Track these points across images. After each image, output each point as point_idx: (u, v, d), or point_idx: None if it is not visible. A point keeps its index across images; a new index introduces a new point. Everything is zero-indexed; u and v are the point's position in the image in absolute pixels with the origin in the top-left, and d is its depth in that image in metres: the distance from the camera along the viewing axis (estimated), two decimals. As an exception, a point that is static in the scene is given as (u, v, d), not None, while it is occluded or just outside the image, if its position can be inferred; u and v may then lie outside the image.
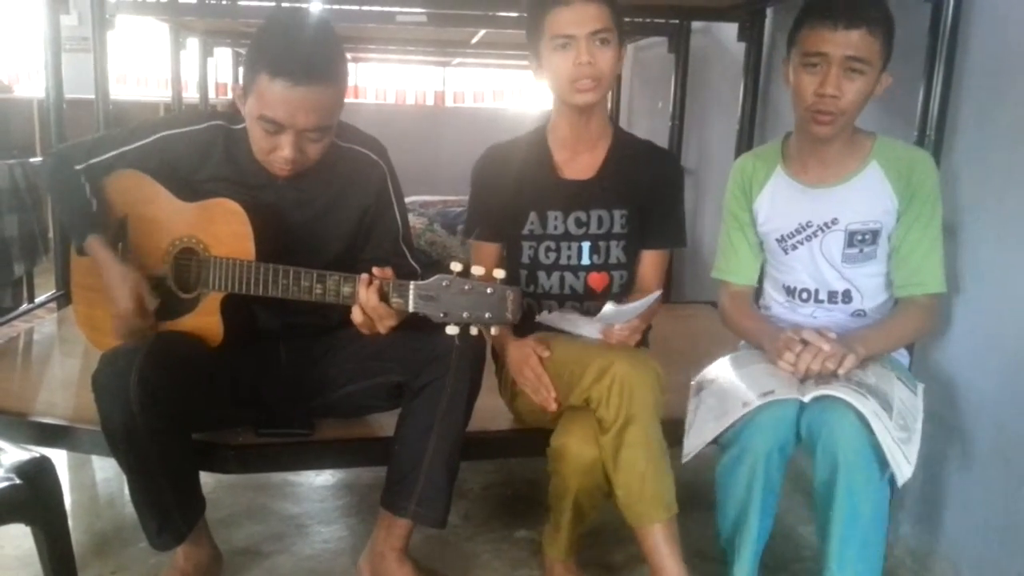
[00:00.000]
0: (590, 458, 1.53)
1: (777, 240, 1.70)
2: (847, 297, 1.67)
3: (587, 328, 1.59)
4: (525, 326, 1.65)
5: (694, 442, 1.53)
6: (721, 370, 1.64)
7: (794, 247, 1.67)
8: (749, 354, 1.66)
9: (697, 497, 2.20)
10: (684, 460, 1.53)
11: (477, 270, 1.38)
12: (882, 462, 1.39)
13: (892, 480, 1.41)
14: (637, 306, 1.51)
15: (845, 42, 1.48)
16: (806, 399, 1.43)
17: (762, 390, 1.48)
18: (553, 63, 1.62)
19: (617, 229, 1.74)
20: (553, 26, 1.60)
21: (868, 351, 1.51)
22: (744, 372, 1.58)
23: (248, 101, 1.50)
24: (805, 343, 1.49)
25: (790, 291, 1.72)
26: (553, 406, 1.59)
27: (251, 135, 1.54)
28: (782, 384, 1.48)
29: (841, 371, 1.45)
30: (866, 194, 1.61)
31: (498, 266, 1.76)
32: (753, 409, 1.46)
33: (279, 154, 1.51)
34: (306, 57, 1.45)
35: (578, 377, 1.53)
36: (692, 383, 1.66)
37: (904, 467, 1.38)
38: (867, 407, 1.38)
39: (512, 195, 1.75)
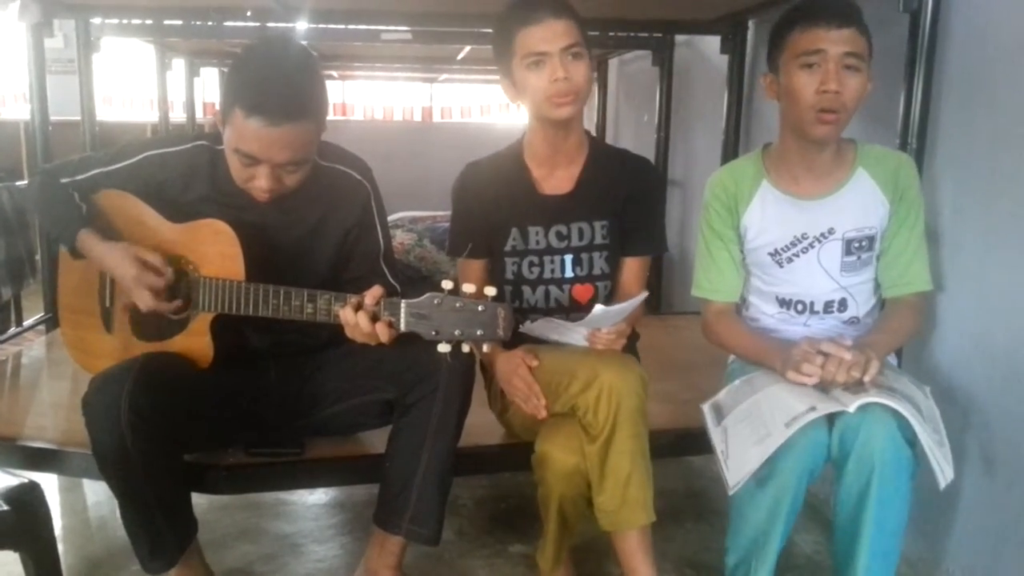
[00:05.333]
0: (572, 465, 1.55)
1: (770, 254, 1.69)
2: (843, 306, 1.67)
3: (572, 335, 1.60)
4: (512, 339, 1.66)
5: (739, 473, 1.46)
6: (739, 395, 1.59)
7: (790, 260, 1.67)
8: (760, 374, 1.61)
9: (689, 508, 2.21)
10: (731, 493, 1.48)
11: (468, 287, 1.38)
12: (912, 473, 1.39)
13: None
14: (625, 307, 1.51)
15: (840, 39, 1.49)
16: (851, 409, 1.39)
17: (801, 408, 1.43)
18: (529, 82, 1.62)
19: (599, 240, 1.75)
20: (525, 45, 1.61)
21: (879, 355, 1.49)
22: (770, 393, 1.53)
23: (225, 131, 1.51)
24: (824, 354, 1.46)
25: (784, 303, 1.71)
26: (543, 414, 1.60)
27: (229, 163, 1.54)
28: (819, 399, 1.44)
29: (867, 378, 1.42)
30: (859, 201, 1.62)
31: (485, 281, 1.77)
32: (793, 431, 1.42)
33: (256, 183, 1.51)
34: (281, 96, 1.44)
35: (564, 386, 1.54)
36: (704, 410, 1.63)
37: (947, 469, 1.38)
38: (907, 411, 1.37)
39: (492, 212, 1.76)
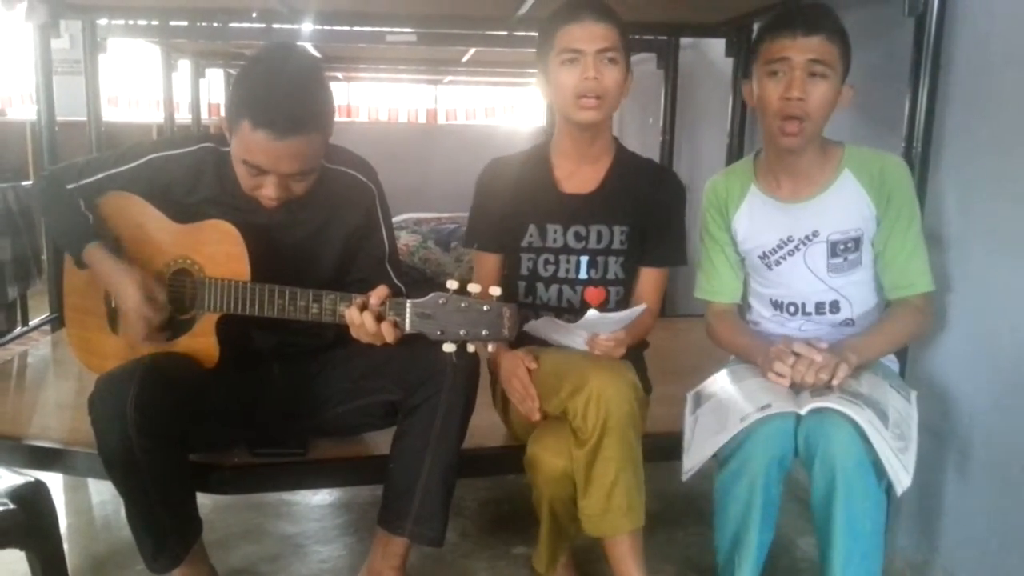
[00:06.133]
0: (560, 468, 1.56)
1: (759, 257, 1.71)
2: (835, 307, 1.68)
3: (572, 338, 1.60)
4: (516, 338, 1.66)
5: (694, 459, 1.53)
6: (717, 386, 1.64)
7: (778, 263, 1.69)
8: (744, 368, 1.66)
9: (691, 510, 2.20)
10: (685, 478, 1.53)
11: (473, 287, 1.39)
12: (880, 473, 1.40)
13: (889, 490, 1.42)
14: (621, 316, 1.52)
15: (806, 46, 1.51)
16: (803, 411, 1.43)
17: (759, 404, 1.48)
18: (560, 77, 1.64)
19: (616, 245, 1.75)
20: (562, 41, 1.63)
21: (861, 359, 1.52)
22: (740, 387, 1.58)
23: (232, 141, 1.51)
24: (797, 355, 1.50)
25: (777, 305, 1.72)
26: (537, 416, 1.61)
27: (237, 172, 1.54)
28: (779, 397, 1.49)
29: (835, 381, 1.45)
30: (843, 203, 1.63)
31: (499, 276, 1.78)
32: (752, 423, 1.46)
33: (263, 192, 1.52)
34: (287, 109, 1.44)
35: (556, 389, 1.55)
36: (687, 398, 1.66)
37: (903, 476, 1.38)
38: (863, 417, 1.39)
39: (512, 207, 1.77)
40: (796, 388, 1.51)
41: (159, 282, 1.58)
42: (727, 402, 1.55)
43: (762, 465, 1.46)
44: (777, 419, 1.45)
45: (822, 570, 1.46)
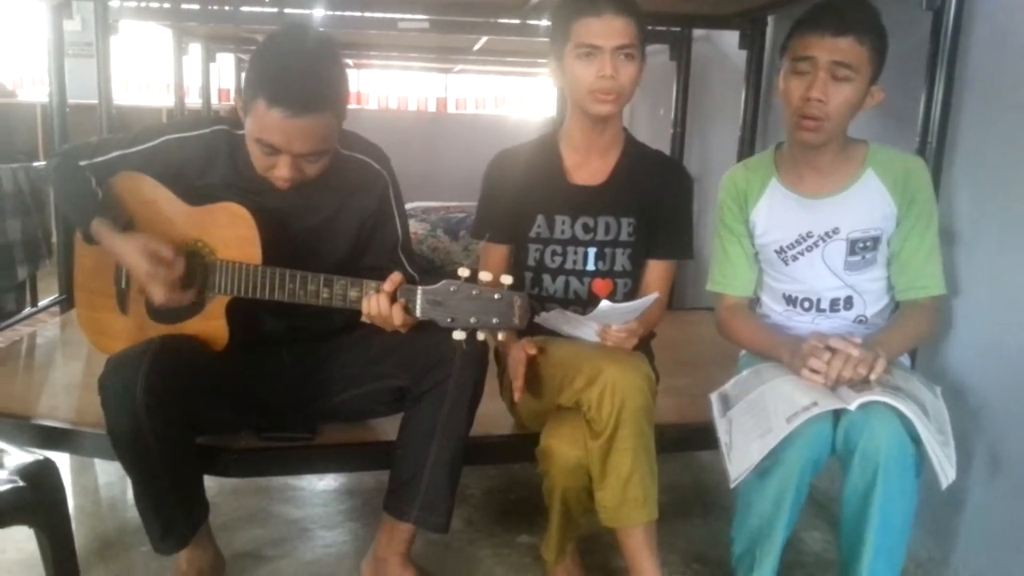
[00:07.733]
0: (575, 459, 1.55)
1: (776, 251, 1.70)
2: (849, 304, 1.67)
3: (584, 329, 1.59)
4: (526, 329, 1.66)
5: (742, 465, 1.47)
6: (747, 386, 1.60)
7: (795, 258, 1.68)
8: (769, 367, 1.62)
9: (696, 502, 2.21)
10: (733, 485, 1.49)
11: (485, 275, 1.38)
12: (916, 470, 1.39)
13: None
14: (633, 306, 1.51)
15: (832, 47, 1.49)
16: (852, 407, 1.39)
17: (803, 403, 1.44)
18: (575, 71, 1.63)
19: (624, 237, 1.75)
20: (580, 34, 1.61)
21: (888, 355, 1.49)
22: (775, 386, 1.54)
23: (247, 120, 1.51)
24: (831, 350, 1.47)
25: (791, 300, 1.72)
26: (517, 396, 1.61)
27: (250, 152, 1.54)
28: (822, 395, 1.45)
29: (873, 376, 1.43)
30: (865, 202, 1.62)
31: (506, 268, 1.77)
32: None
33: (277, 172, 1.51)
34: (303, 87, 1.44)
35: (570, 380, 1.54)
36: (712, 400, 1.64)
37: (948, 470, 1.38)
38: (910, 410, 1.37)
39: (520, 198, 1.76)
40: (831, 385, 1.47)
41: (164, 241, 1.56)
42: (762, 402, 1.51)
43: (797, 466, 1.44)
44: (816, 421, 1.42)
45: (846, 561, 1.46)
